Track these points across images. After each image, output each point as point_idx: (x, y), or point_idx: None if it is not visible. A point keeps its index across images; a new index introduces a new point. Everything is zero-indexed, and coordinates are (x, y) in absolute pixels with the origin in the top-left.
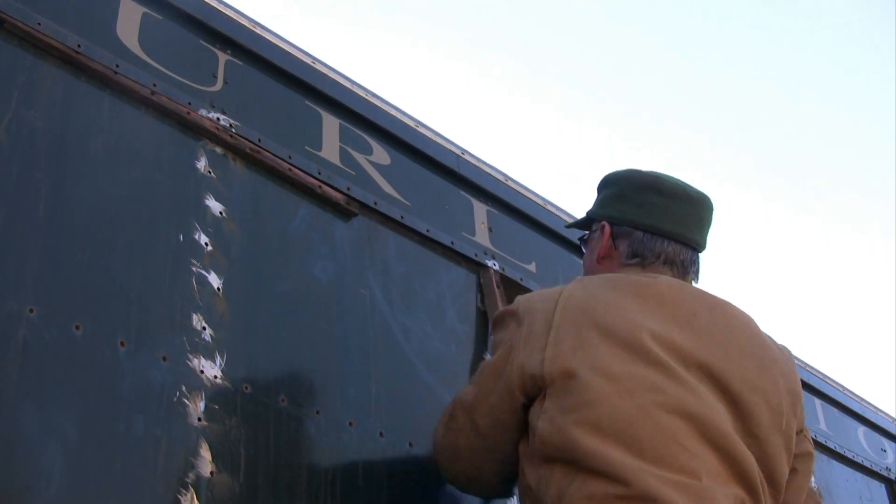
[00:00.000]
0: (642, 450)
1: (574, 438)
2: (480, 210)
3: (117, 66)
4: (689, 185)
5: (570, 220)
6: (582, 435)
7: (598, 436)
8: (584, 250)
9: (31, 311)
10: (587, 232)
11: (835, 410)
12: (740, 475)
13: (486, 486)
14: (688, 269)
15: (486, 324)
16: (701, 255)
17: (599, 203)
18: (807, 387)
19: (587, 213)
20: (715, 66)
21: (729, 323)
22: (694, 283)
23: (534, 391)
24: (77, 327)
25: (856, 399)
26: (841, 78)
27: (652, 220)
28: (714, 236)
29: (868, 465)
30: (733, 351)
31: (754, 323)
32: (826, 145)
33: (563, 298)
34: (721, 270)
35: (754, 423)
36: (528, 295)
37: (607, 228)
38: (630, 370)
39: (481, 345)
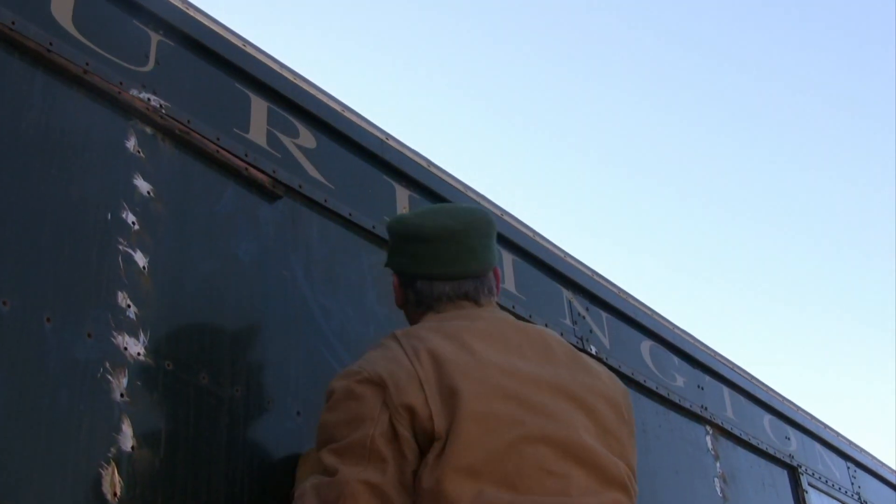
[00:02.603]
0: (514, 484)
1: (452, 485)
2: (402, 195)
3: (51, 44)
4: (453, 215)
5: (491, 207)
6: (460, 481)
7: (473, 478)
8: None
9: None
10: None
11: (741, 398)
12: (610, 480)
13: None
14: (479, 295)
15: None
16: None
17: (388, 252)
18: (715, 375)
19: (385, 263)
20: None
21: (545, 341)
22: (493, 303)
23: (425, 450)
24: (4, 303)
25: (762, 387)
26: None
27: (423, 268)
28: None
29: (772, 452)
30: (561, 365)
31: (556, 335)
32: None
33: (415, 357)
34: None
35: (606, 421)
36: (367, 363)
37: (395, 280)
38: (492, 409)
39: (400, 327)
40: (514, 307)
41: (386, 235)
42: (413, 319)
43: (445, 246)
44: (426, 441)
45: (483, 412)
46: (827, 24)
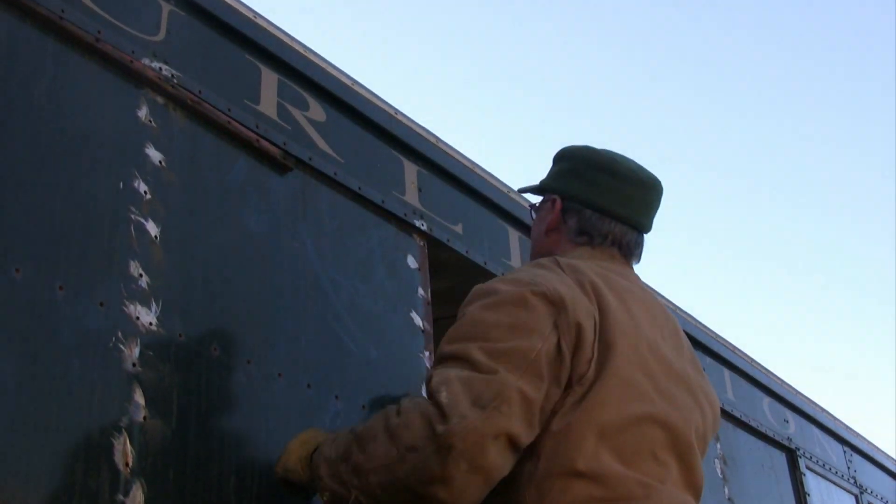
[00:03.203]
0: (626, 457)
1: (579, 437)
2: (411, 170)
3: (63, 11)
4: (642, 169)
5: (499, 185)
6: (587, 435)
7: (598, 438)
8: (532, 216)
9: None
10: (532, 206)
11: (742, 381)
12: (693, 485)
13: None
14: (633, 251)
15: (414, 283)
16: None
17: (554, 175)
18: (716, 357)
19: (540, 183)
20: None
21: (678, 331)
22: (635, 265)
23: (566, 386)
24: (17, 271)
25: (762, 370)
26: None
27: (603, 200)
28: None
29: (771, 435)
30: (686, 360)
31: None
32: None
33: (592, 294)
34: None
35: (706, 428)
36: (541, 278)
37: (558, 203)
38: (634, 377)
39: (408, 302)
40: None
41: (392, 209)
42: (560, 249)
43: (631, 187)
44: (570, 381)
45: (627, 377)
46: None
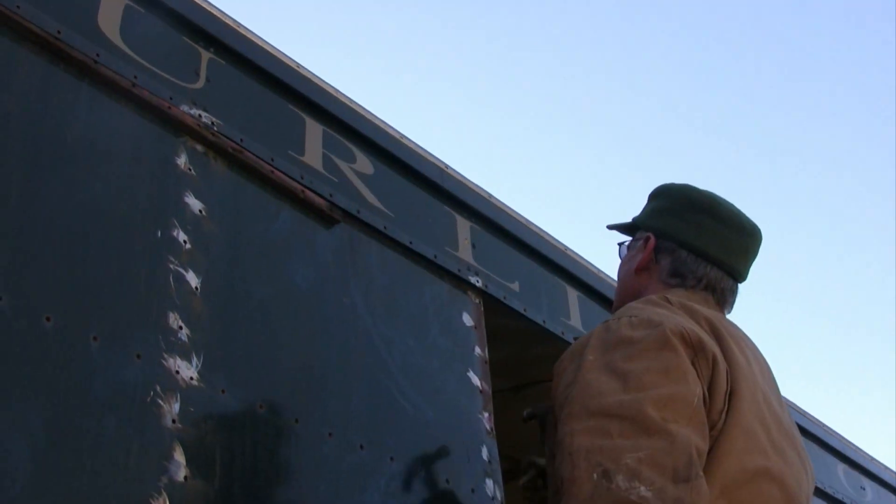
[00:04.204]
0: None
1: (703, 494)
2: (464, 226)
3: (97, 55)
4: (742, 214)
5: (555, 242)
6: (711, 490)
7: (719, 493)
8: (620, 255)
9: None
10: (627, 239)
11: (815, 447)
12: None
13: None
14: (727, 299)
15: (470, 341)
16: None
17: (649, 213)
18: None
19: (633, 220)
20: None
21: (776, 384)
22: (728, 314)
23: None
24: (47, 319)
25: (835, 436)
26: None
27: (700, 242)
28: None
29: (848, 503)
30: (786, 414)
31: None
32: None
33: (712, 335)
34: None
35: (811, 487)
36: (666, 318)
37: (652, 241)
38: (753, 428)
39: (464, 361)
40: None
41: (444, 265)
42: (650, 290)
43: (732, 233)
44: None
45: (749, 427)
46: None
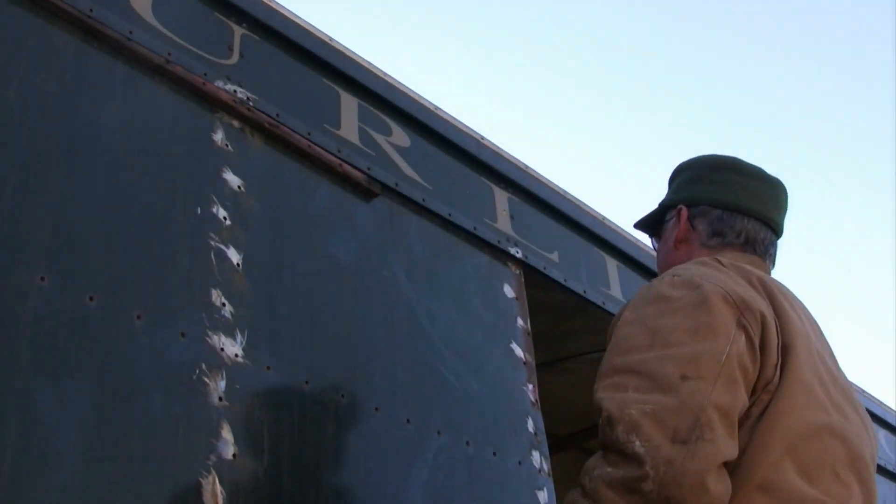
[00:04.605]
0: (807, 472)
1: (765, 448)
2: (501, 197)
3: (131, 32)
4: (766, 170)
5: (592, 211)
6: (773, 445)
7: (783, 450)
8: (653, 248)
9: (42, 279)
10: (653, 236)
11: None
12: None
13: None
14: (767, 250)
15: (512, 313)
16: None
17: (674, 190)
18: None
19: (660, 204)
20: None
21: (825, 338)
22: (772, 269)
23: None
24: (90, 298)
25: (877, 403)
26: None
27: (730, 196)
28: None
29: (891, 469)
30: (841, 374)
31: None
32: None
33: (762, 291)
34: None
35: (875, 448)
36: (709, 278)
37: (684, 211)
38: (811, 382)
39: (507, 333)
40: None
41: (484, 237)
42: (693, 258)
43: (760, 184)
44: (756, 388)
45: (807, 382)
46: None
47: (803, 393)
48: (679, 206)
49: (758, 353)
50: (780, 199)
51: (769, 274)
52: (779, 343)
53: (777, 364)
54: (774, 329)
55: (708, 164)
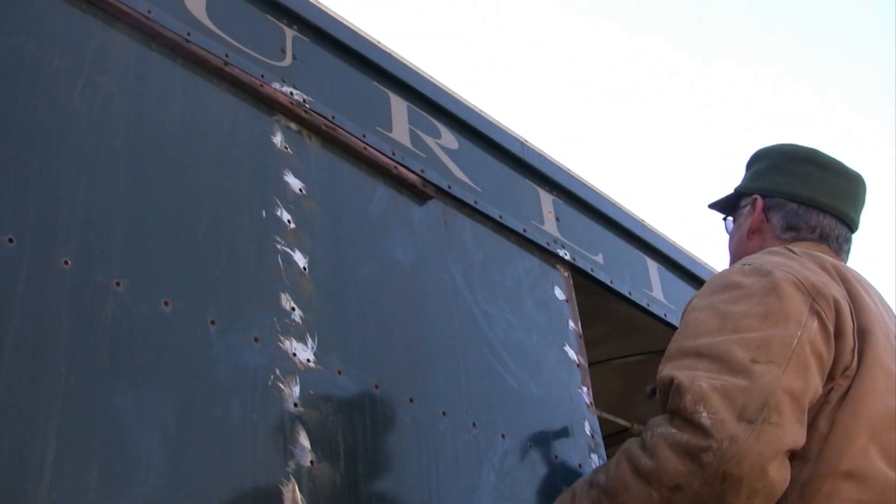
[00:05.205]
0: (890, 457)
1: (848, 435)
2: (546, 199)
3: (188, 34)
4: (844, 163)
5: (633, 214)
6: (857, 431)
7: (868, 436)
8: (726, 231)
9: (117, 284)
10: (726, 217)
11: None
12: None
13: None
14: (842, 247)
15: (563, 315)
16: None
17: (751, 177)
18: None
19: (736, 189)
20: None
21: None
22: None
23: (828, 378)
24: (166, 304)
25: None
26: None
27: (808, 191)
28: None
29: None
30: None
31: None
32: None
33: (836, 276)
34: None
35: None
36: (780, 266)
37: (760, 202)
38: (891, 368)
39: (560, 335)
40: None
41: (534, 239)
42: (765, 246)
43: (839, 179)
44: (833, 373)
45: (886, 366)
46: None
47: (883, 377)
48: (755, 196)
49: (832, 338)
50: (858, 194)
51: None
52: (854, 328)
53: (854, 349)
54: (849, 314)
55: (787, 154)
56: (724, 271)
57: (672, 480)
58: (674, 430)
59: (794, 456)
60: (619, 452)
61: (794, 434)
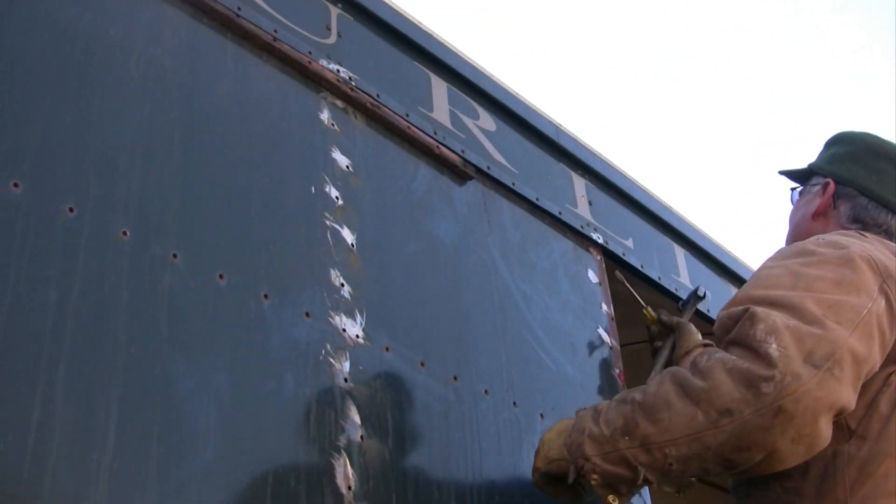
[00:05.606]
0: None
1: None
2: (580, 183)
3: (239, 8)
4: None
5: (661, 199)
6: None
7: None
8: (791, 201)
9: (174, 256)
10: (797, 186)
11: None
12: None
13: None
14: None
15: (597, 297)
16: None
17: (828, 159)
18: None
19: (810, 166)
20: None
21: None
22: None
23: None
24: (221, 276)
25: None
26: None
27: (882, 189)
28: None
29: None
30: None
31: None
32: None
33: None
34: None
35: None
36: (853, 245)
37: (832, 186)
38: None
39: (594, 318)
40: None
41: (569, 222)
42: (828, 231)
43: None
44: (892, 357)
45: None
46: None
47: None
48: (828, 180)
49: (893, 321)
50: None
51: None
52: None
53: None
54: None
55: (869, 146)
56: (796, 242)
57: (723, 404)
58: (734, 357)
59: (853, 434)
60: (660, 375)
61: (849, 394)
